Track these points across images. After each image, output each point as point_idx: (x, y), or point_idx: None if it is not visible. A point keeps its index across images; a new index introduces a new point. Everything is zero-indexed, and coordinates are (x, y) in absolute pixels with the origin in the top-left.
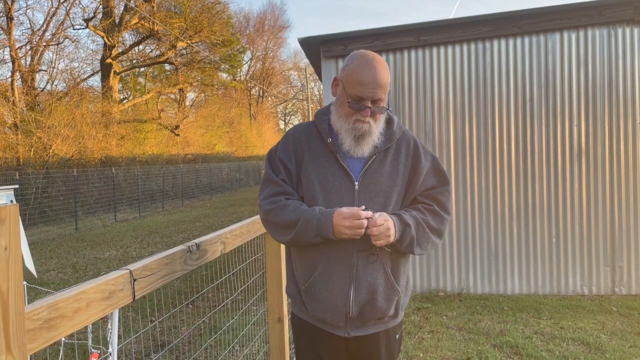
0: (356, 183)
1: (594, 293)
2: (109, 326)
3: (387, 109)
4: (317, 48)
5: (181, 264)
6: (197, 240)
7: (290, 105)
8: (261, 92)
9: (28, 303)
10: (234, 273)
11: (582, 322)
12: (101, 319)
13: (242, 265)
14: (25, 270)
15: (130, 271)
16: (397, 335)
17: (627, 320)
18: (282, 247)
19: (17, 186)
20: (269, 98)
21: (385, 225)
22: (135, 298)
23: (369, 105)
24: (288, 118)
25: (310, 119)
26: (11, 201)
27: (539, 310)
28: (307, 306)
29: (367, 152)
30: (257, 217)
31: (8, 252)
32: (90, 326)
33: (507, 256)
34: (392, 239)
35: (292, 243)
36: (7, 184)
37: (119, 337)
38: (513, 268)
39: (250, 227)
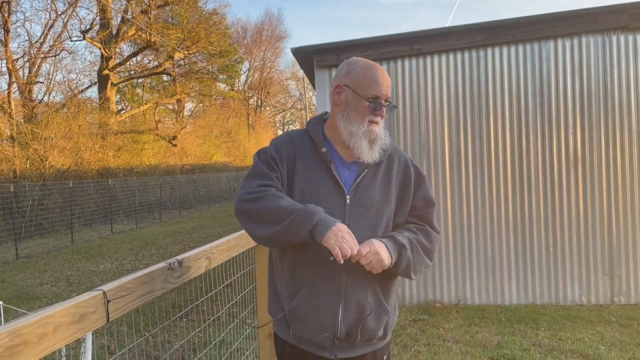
0: (348, 197)
1: (593, 303)
2: (82, 350)
3: (395, 107)
4: (310, 58)
5: (161, 282)
6: (180, 257)
7: (288, 114)
8: (259, 102)
9: (4, 323)
10: (229, 285)
11: (581, 333)
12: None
13: (236, 277)
14: None
15: (104, 292)
16: (385, 356)
17: (627, 331)
18: None
19: None
20: (267, 108)
21: (372, 250)
22: (110, 320)
23: (384, 104)
24: (286, 127)
25: None
26: None
27: (537, 321)
28: (291, 327)
29: (377, 156)
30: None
31: None
32: (64, 349)
33: (504, 266)
34: (386, 262)
35: (272, 236)
36: (2, 197)
37: (111, 353)
38: (510, 278)
39: (238, 240)
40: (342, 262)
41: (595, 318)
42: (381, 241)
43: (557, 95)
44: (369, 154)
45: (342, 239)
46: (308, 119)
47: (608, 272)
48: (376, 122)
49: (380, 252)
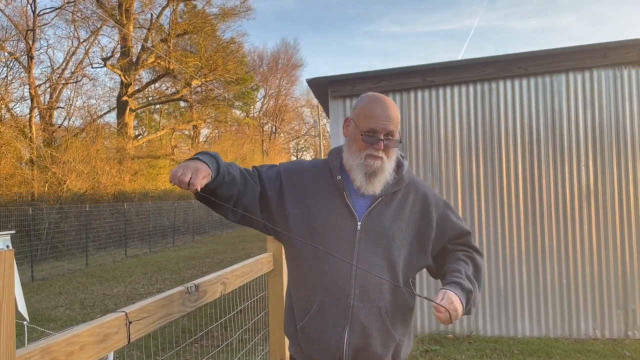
0: (358, 223)
1: (607, 337)
2: None
3: (400, 142)
4: (325, 88)
5: (179, 306)
6: (197, 281)
7: (302, 141)
8: (274, 129)
9: (28, 343)
10: (241, 311)
11: None
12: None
13: (249, 303)
14: (18, 314)
15: (126, 314)
16: None
17: None
18: (285, 287)
19: (14, 231)
20: (282, 134)
21: (446, 299)
22: (131, 341)
23: (382, 138)
24: (300, 154)
25: (323, 155)
26: (7, 246)
27: (549, 354)
28: (302, 346)
29: (379, 189)
30: (260, 256)
31: (1, 297)
32: None
33: (517, 298)
34: (459, 311)
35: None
36: (20, 219)
37: None
38: (523, 310)
39: (253, 266)
40: (173, 183)
41: (609, 352)
42: (452, 290)
43: (569, 128)
44: (367, 186)
45: (184, 167)
46: (322, 146)
47: (622, 306)
48: (376, 156)
49: (454, 300)
